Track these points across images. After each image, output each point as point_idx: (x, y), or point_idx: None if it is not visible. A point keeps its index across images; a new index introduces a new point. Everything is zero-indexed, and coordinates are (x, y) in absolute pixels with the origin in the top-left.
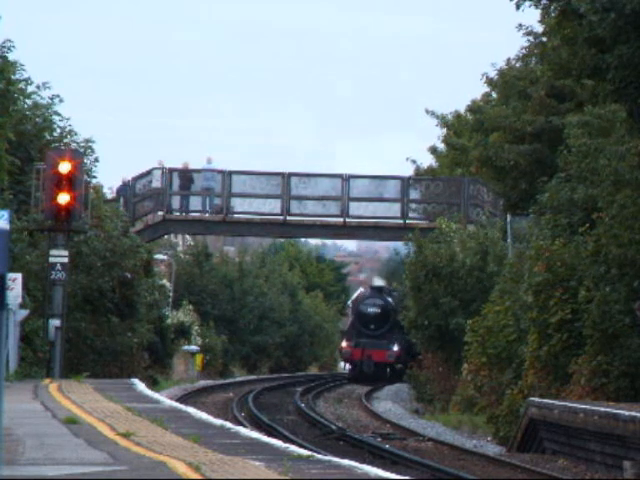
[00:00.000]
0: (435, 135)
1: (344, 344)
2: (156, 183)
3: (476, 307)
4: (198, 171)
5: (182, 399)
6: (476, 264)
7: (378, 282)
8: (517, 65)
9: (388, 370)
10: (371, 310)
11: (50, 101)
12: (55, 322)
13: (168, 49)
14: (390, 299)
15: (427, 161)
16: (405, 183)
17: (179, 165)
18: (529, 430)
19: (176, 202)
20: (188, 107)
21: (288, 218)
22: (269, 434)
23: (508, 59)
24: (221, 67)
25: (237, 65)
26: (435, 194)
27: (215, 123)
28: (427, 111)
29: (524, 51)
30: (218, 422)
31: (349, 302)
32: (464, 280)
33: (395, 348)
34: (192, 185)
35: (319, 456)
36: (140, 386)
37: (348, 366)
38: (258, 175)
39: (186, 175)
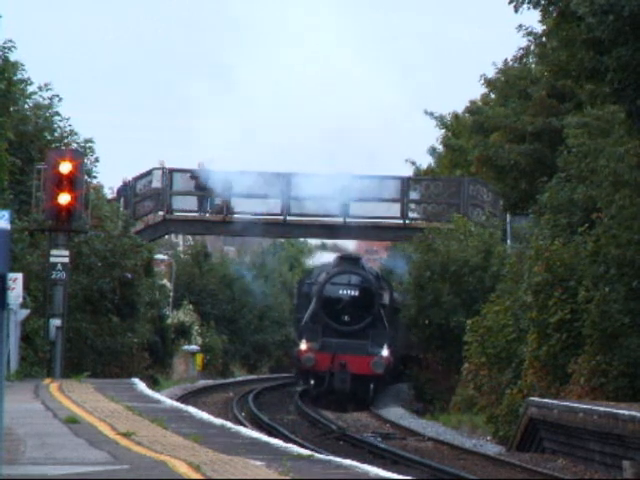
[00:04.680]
0: (434, 136)
1: (303, 346)
2: (156, 183)
3: (478, 307)
4: (196, 171)
5: (182, 399)
6: (479, 263)
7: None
8: (515, 66)
9: (372, 387)
10: (344, 293)
11: (50, 101)
12: (56, 322)
13: (168, 48)
14: (371, 276)
15: (426, 162)
16: (405, 183)
17: (194, 166)
18: (529, 430)
19: (178, 202)
20: (189, 106)
21: (288, 218)
22: (269, 434)
23: (505, 60)
24: (220, 67)
25: (236, 65)
26: (435, 194)
27: (215, 123)
28: (426, 112)
29: (522, 51)
30: (218, 422)
31: (307, 280)
32: (467, 279)
33: (384, 353)
34: (206, 186)
35: (319, 456)
36: (140, 386)
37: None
38: (258, 175)
39: (199, 175)
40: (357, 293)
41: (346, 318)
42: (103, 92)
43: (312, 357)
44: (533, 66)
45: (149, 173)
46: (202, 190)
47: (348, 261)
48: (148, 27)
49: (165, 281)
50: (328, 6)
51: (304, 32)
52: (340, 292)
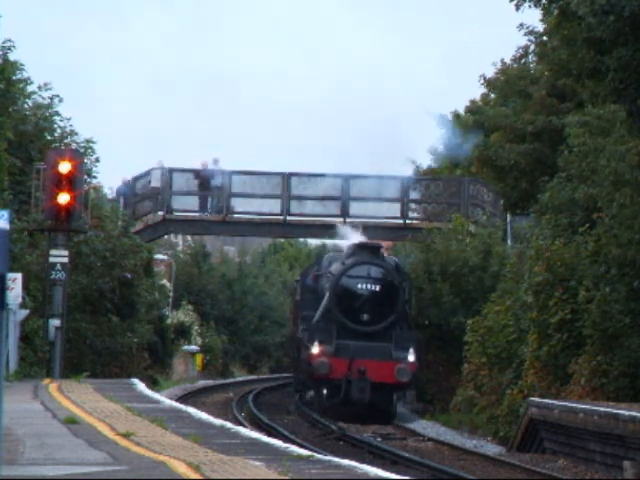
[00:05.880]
0: (435, 135)
1: (315, 350)
2: (155, 183)
3: (478, 307)
4: (198, 171)
5: (182, 399)
6: (479, 263)
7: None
8: (514, 65)
9: (395, 397)
10: (363, 287)
11: (50, 101)
12: (55, 322)
13: (168, 47)
14: (392, 267)
15: (426, 162)
16: (405, 183)
17: (198, 165)
18: (529, 430)
19: (178, 202)
20: (189, 106)
21: (288, 218)
22: (269, 434)
23: (502, 60)
24: (220, 66)
25: (236, 64)
26: (435, 194)
27: (216, 123)
28: (426, 111)
29: (521, 51)
30: (218, 422)
31: (314, 272)
32: (467, 279)
33: (410, 357)
34: (210, 185)
35: (319, 456)
36: (140, 386)
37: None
38: (258, 175)
39: (203, 175)
40: (378, 287)
41: (365, 317)
42: (104, 91)
43: (326, 363)
44: (532, 65)
45: (148, 173)
46: (207, 190)
47: (367, 250)
48: (150, 25)
49: (165, 281)
50: (328, 6)
51: (302, 31)
52: (358, 286)
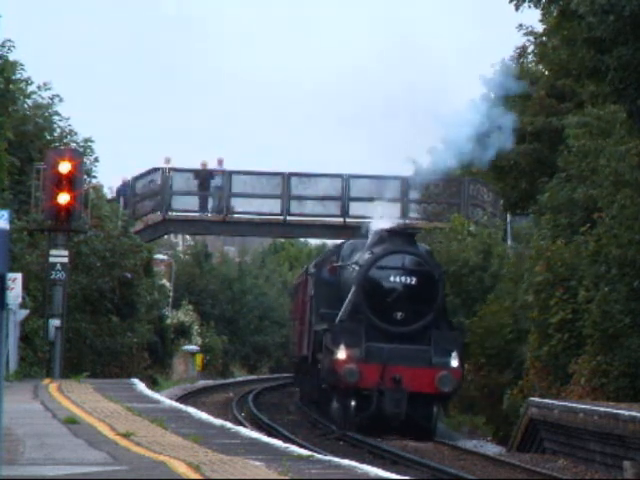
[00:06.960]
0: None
1: (341, 354)
2: (159, 181)
3: (478, 307)
4: (198, 171)
5: (182, 399)
6: (479, 263)
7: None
8: (514, 66)
9: (435, 410)
10: (397, 281)
11: (50, 101)
12: (55, 322)
13: (170, 47)
14: (429, 256)
15: (426, 162)
16: (405, 183)
17: (198, 165)
18: (529, 430)
19: (178, 202)
20: (190, 106)
21: (288, 218)
22: (269, 434)
23: (503, 59)
24: (222, 65)
25: (238, 63)
26: (435, 194)
27: (218, 122)
28: (426, 111)
29: (519, 51)
30: (218, 422)
31: (331, 263)
32: (467, 279)
33: (454, 363)
34: (210, 184)
35: (319, 456)
36: (140, 386)
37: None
38: (258, 175)
39: (203, 175)
40: (414, 280)
41: (399, 315)
42: (103, 92)
43: (355, 370)
44: (531, 65)
45: (149, 172)
46: (207, 190)
47: (399, 237)
48: (152, 25)
49: (165, 281)
50: (329, 6)
51: (300, 34)
52: (391, 279)
